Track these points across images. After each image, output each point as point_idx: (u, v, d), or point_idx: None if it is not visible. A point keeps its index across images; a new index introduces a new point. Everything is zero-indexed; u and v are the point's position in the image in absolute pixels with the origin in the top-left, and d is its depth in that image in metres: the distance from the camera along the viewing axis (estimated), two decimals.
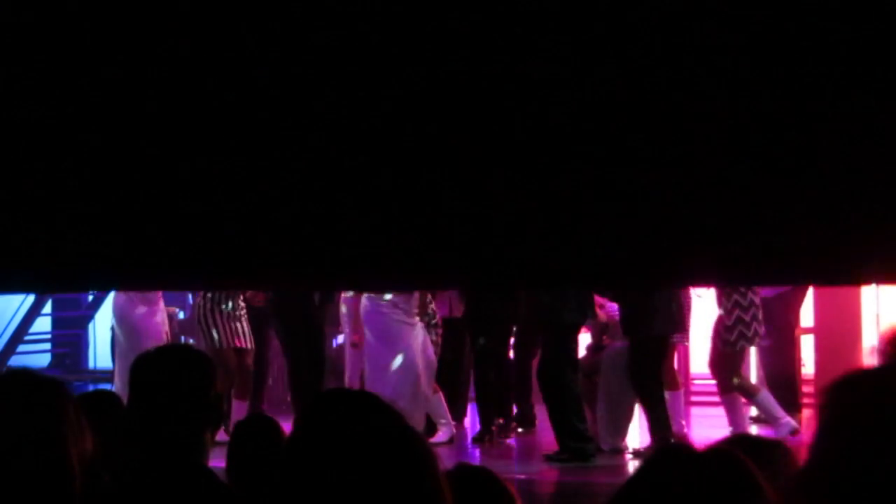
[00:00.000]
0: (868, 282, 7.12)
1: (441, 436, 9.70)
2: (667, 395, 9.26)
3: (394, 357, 9.40)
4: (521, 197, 2.83)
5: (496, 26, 2.56)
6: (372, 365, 9.55)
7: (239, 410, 9.66)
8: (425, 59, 2.64)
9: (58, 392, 2.64)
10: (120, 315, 10.19)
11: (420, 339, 9.54)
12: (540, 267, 3.09)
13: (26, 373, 2.71)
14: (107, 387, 9.54)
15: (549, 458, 9.04)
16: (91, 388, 11.43)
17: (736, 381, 9.49)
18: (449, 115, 2.70)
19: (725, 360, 9.48)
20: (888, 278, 3.78)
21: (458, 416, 10.65)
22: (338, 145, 2.78)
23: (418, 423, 9.11)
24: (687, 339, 10.30)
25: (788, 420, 9.50)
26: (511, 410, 10.24)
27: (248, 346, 9.91)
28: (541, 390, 9.25)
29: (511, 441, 10.08)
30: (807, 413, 10.31)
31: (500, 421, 10.09)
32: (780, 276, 3.99)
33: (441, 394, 9.95)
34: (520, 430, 10.33)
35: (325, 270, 3.32)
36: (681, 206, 2.79)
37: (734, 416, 9.51)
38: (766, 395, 9.67)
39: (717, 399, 9.92)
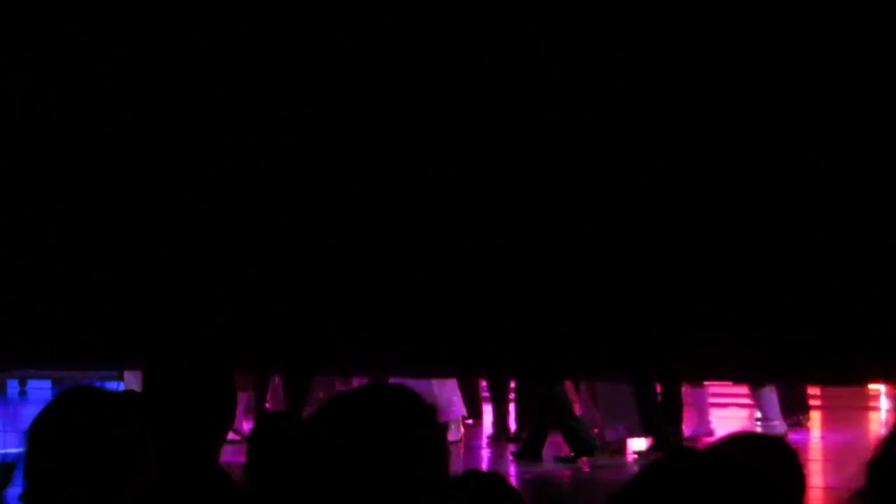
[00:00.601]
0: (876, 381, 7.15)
1: (451, 435, 9.70)
2: (691, 392, 9.24)
3: None
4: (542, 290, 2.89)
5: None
6: None
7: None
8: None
9: (126, 409, 2.62)
10: None
11: None
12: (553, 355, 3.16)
13: (94, 390, 2.68)
14: (115, 385, 9.54)
15: (557, 459, 9.08)
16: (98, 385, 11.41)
17: None
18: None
19: None
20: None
21: (475, 414, 10.68)
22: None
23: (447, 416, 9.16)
24: None
25: (781, 423, 9.53)
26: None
27: None
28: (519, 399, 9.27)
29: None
30: (814, 414, 10.33)
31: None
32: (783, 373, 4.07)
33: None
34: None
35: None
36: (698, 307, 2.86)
37: (768, 409, 9.52)
38: (770, 393, 9.68)
39: (724, 400, 9.92)
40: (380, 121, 2.66)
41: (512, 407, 10.37)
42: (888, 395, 12.17)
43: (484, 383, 10.63)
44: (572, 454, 9.01)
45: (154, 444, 2.63)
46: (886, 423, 11.51)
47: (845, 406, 11.79)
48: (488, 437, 10.26)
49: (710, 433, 9.53)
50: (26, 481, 2.54)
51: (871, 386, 12.47)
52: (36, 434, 2.55)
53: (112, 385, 9.49)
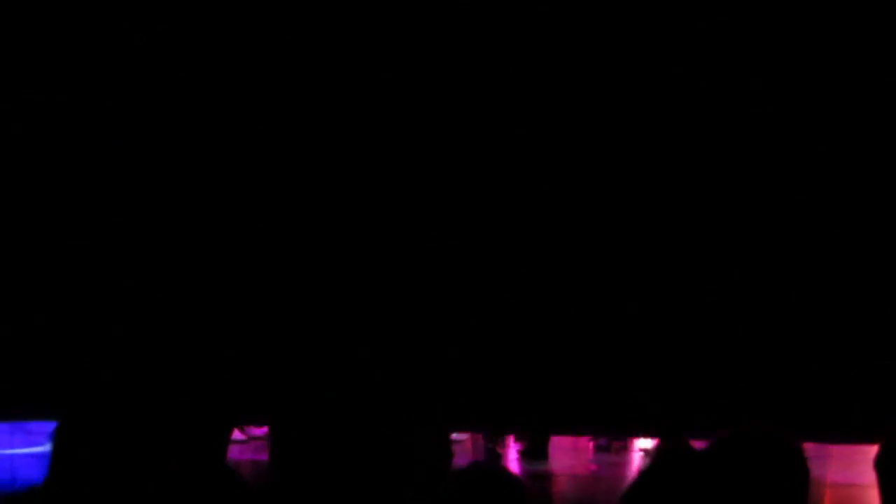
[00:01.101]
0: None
1: (458, 434, 9.68)
2: None
3: None
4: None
5: None
6: None
7: None
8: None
9: (153, 409, 2.64)
10: None
11: None
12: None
13: (117, 391, 2.69)
14: None
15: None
16: None
17: None
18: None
19: None
20: None
21: None
22: None
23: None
24: None
25: None
26: None
27: None
28: None
29: None
30: None
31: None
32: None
33: None
34: None
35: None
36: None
37: None
38: None
39: None
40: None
41: None
42: None
43: None
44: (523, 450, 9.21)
45: (175, 444, 2.65)
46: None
47: None
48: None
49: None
50: (51, 481, 2.56)
51: None
52: (62, 435, 2.57)
53: None
